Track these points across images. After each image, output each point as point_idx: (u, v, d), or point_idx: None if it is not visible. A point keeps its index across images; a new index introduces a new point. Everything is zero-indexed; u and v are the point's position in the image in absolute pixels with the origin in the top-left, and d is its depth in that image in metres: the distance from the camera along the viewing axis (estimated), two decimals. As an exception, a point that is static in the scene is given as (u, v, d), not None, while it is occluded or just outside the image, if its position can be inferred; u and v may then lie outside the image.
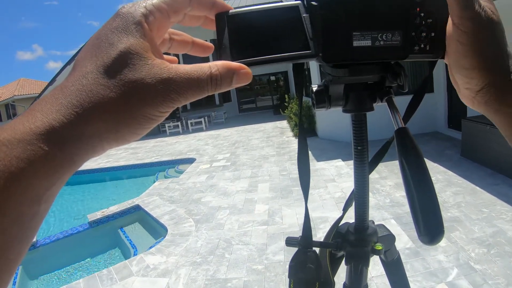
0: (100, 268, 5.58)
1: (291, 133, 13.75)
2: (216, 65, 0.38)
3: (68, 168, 0.31)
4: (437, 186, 5.96)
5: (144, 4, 0.37)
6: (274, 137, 13.70)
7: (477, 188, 5.58)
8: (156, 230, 6.50)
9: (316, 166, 8.50)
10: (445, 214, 4.86)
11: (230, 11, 0.46)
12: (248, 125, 18.75)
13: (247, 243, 4.98)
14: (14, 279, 5.38)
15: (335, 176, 7.46)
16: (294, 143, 11.63)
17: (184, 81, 0.35)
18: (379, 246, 0.78)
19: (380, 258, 0.89)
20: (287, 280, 0.78)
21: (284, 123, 17.08)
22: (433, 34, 0.49)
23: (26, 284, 5.56)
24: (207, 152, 12.68)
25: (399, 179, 6.50)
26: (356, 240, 0.81)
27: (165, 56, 0.46)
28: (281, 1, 0.49)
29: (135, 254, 5.46)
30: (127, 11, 0.36)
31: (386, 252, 0.88)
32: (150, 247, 5.33)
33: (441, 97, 9.78)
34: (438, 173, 6.66)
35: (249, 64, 0.43)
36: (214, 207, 6.71)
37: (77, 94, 0.32)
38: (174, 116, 23.74)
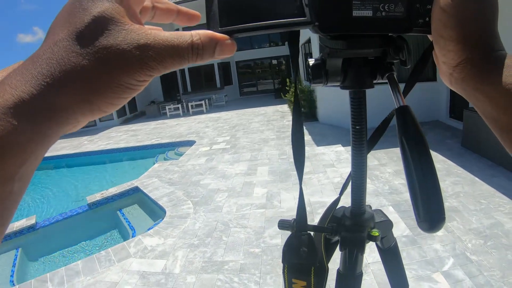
0: (99, 249, 5.61)
1: (291, 117, 13.71)
2: (198, 34, 0.36)
3: (41, 143, 0.29)
4: (436, 175, 5.95)
5: None
6: (275, 121, 13.69)
7: (477, 179, 5.57)
8: (155, 212, 6.53)
9: (315, 151, 8.50)
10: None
11: None
12: (248, 109, 18.73)
13: (245, 226, 5.00)
14: (13, 261, 5.43)
15: (334, 161, 7.45)
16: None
17: (163, 48, 0.33)
18: (375, 232, 0.77)
19: (376, 244, 0.87)
20: (282, 264, 0.76)
21: (285, 107, 17.04)
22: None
23: (25, 266, 5.60)
24: (207, 134, 12.68)
25: (399, 167, 6.50)
26: (352, 225, 0.79)
27: (147, 26, 0.44)
28: None
29: (133, 236, 5.49)
30: None
31: (383, 239, 0.86)
32: (149, 229, 5.36)
33: (443, 86, 9.72)
34: (437, 162, 6.64)
35: (239, 31, 0.41)
36: (212, 190, 6.72)
37: (47, 63, 0.29)
38: (174, 98, 23.71)
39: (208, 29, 0.40)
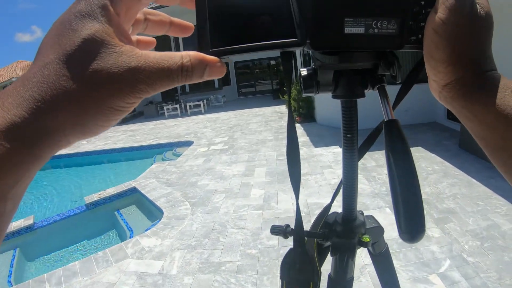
0: (96, 250, 5.60)
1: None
2: (188, 56, 0.36)
3: (32, 164, 0.30)
4: (433, 177, 5.99)
5: None
6: (273, 122, 13.68)
7: (474, 180, 5.58)
8: (152, 212, 6.52)
9: (313, 152, 8.50)
10: (440, 205, 4.87)
11: None
12: (246, 109, 18.72)
13: (242, 227, 5.00)
14: (11, 261, 5.42)
15: (332, 163, 7.46)
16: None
17: (153, 70, 0.33)
18: (366, 238, 0.77)
19: (368, 250, 0.88)
20: (280, 281, 0.76)
21: (283, 108, 17.04)
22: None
23: (23, 266, 5.58)
24: (205, 135, 12.67)
25: (396, 169, 6.49)
26: (343, 231, 0.79)
27: (141, 37, 0.43)
28: None
29: (131, 237, 5.49)
30: None
31: (374, 245, 0.87)
32: (146, 230, 5.35)
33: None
34: (435, 163, 6.65)
35: (230, 53, 0.42)
36: (210, 191, 6.72)
37: (38, 87, 0.30)
38: (173, 98, 23.68)
39: (199, 49, 0.41)
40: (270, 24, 0.43)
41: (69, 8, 0.33)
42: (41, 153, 0.30)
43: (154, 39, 0.47)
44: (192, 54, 0.37)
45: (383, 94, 0.56)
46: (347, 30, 0.46)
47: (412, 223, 0.45)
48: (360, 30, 0.46)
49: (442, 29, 0.42)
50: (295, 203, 5.60)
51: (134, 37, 0.44)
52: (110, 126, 0.34)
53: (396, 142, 0.47)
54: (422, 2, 0.45)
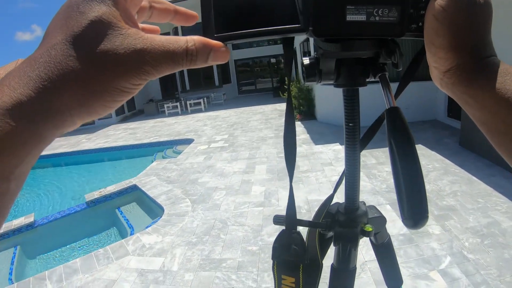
0: (97, 247, 5.61)
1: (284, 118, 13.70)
2: (193, 40, 0.36)
3: (37, 144, 0.30)
4: (434, 174, 5.99)
5: None
6: (273, 119, 13.68)
7: (474, 178, 5.58)
8: (153, 210, 6.53)
9: (313, 149, 8.51)
10: (441, 203, 4.88)
11: None
12: (247, 107, 18.72)
13: (243, 224, 5.01)
14: (12, 259, 5.43)
15: (332, 160, 7.46)
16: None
17: (159, 53, 0.33)
18: (369, 228, 0.78)
19: (370, 240, 0.88)
20: (271, 261, 0.77)
21: (283, 106, 16.98)
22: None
23: (24, 264, 5.59)
24: (205, 133, 12.67)
25: (397, 166, 6.50)
26: (346, 220, 0.79)
27: (145, 25, 0.44)
28: None
29: (131, 234, 5.49)
30: None
31: (376, 235, 0.87)
32: (147, 227, 5.36)
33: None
34: (435, 161, 6.65)
35: (234, 38, 0.42)
36: (211, 188, 6.72)
37: (45, 66, 0.30)
38: (173, 96, 23.68)
39: (204, 35, 0.41)
40: (274, 11, 0.43)
41: None
42: (47, 133, 0.31)
43: (158, 28, 0.47)
44: (197, 38, 0.37)
45: (385, 83, 0.56)
46: (349, 17, 0.46)
47: (415, 210, 0.46)
48: (362, 17, 0.46)
49: (442, 16, 0.42)
50: (296, 200, 5.64)
51: (139, 25, 0.44)
52: (116, 107, 0.35)
53: (398, 129, 0.48)
54: None
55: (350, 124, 0.69)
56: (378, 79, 0.59)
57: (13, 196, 0.30)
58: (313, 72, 0.61)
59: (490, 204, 4.66)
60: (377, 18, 0.46)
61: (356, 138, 0.70)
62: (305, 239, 0.79)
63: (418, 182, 0.46)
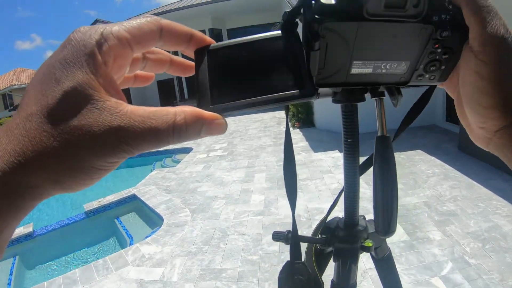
0: (96, 258, 5.59)
1: (289, 123, 13.75)
2: (183, 112, 0.33)
3: (15, 216, 0.29)
4: (433, 179, 5.99)
5: (101, 30, 0.32)
6: (272, 127, 13.67)
7: (474, 182, 5.58)
8: (152, 219, 6.51)
9: (313, 157, 8.50)
10: (441, 208, 4.87)
11: (212, 45, 0.40)
12: (245, 115, 18.71)
13: (243, 233, 4.98)
14: (10, 269, 5.40)
15: (331, 167, 7.45)
16: (291, 133, 11.64)
17: (138, 131, 0.30)
18: (369, 243, 0.76)
19: (371, 255, 0.87)
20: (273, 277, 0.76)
21: (282, 114, 17.00)
22: (443, 68, 0.45)
23: (22, 274, 5.56)
24: (204, 141, 12.65)
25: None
26: (345, 236, 0.79)
27: (139, 73, 0.42)
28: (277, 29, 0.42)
29: (131, 244, 5.47)
30: (80, 38, 0.31)
31: (377, 249, 0.86)
32: (146, 237, 5.35)
33: (440, 90, 9.68)
34: (435, 166, 6.66)
35: (233, 109, 0.38)
36: (210, 197, 6.70)
37: (20, 140, 0.29)
38: (172, 105, 23.70)
39: (198, 105, 0.38)
40: (277, 76, 0.39)
41: (56, 52, 0.32)
42: (24, 205, 0.29)
43: (152, 74, 0.45)
44: (188, 110, 0.34)
45: (380, 107, 0.57)
46: (354, 70, 0.44)
47: (386, 226, 0.59)
48: (368, 70, 0.44)
49: (487, 71, 0.38)
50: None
51: (138, 72, 0.43)
52: (93, 183, 0.33)
53: (385, 158, 0.53)
54: (439, 50, 0.43)
55: (349, 140, 0.68)
56: (375, 101, 0.58)
57: None
58: None
59: (491, 208, 4.66)
60: (383, 70, 0.45)
61: (356, 154, 0.70)
62: (303, 256, 0.78)
63: (392, 205, 0.57)
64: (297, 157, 8.55)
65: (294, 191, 0.64)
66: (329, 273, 0.85)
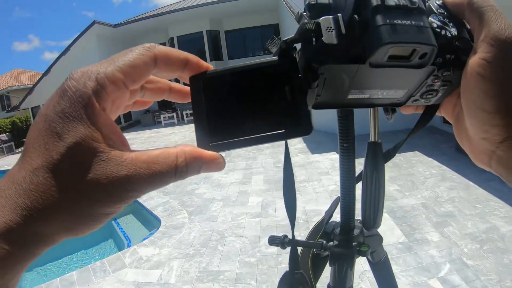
0: (94, 260, 5.58)
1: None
2: (184, 154, 0.34)
3: (29, 260, 0.30)
4: (431, 181, 6.00)
5: (95, 76, 0.32)
6: (270, 129, 13.65)
7: (471, 183, 5.59)
8: (150, 221, 6.50)
9: (310, 158, 8.50)
10: (439, 209, 4.88)
11: (208, 71, 0.40)
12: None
13: (240, 235, 4.98)
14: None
15: (329, 169, 7.45)
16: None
17: (144, 177, 0.32)
18: (365, 248, 0.77)
19: (367, 258, 0.87)
20: (280, 273, 0.77)
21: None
22: (439, 95, 0.44)
23: (20, 277, 5.53)
24: (202, 143, 12.64)
25: (393, 173, 6.53)
26: (341, 240, 0.79)
27: (137, 99, 0.42)
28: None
29: (128, 246, 5.45)
30: (75, 88, 0.31)
31: (373, 253, 0.86)
32: (144, 239, 5.34)
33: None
34: (432, 167, 6.67)
35: (232, 147, 0.38)
36: (207, 199, 6.71)
37: (29, 195, 0.29)
38: (169, 107, 23.70)
39: (197, 143, 0.38)
40: (273, 110, 0.39)
41: (52, 103, 0.31)
42: (37, 251, 0.31)
43: (151, 101, 0.45)
44: (188, 151, 0.35)
45: (374, 115, 0.57)
46: (351, 96, 0.44)
47: (373, 221, 0.68)
48: (365, 96, 0.44)
49: (490, 71, 0.36)
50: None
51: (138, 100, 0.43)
52: (99, 227, 0.34)
53: (374, 161, 0.57)
54: (438, 83, 0.42)
55: (345, 145, 0.68)
56: (369, 109, 0.58)
57: None
58: None
59: (488, 209, 4.67)
60: (380, 96, 0.44)
61: (351, 159, 0.70)
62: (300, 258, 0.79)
63: (379, 204, 0.64)
64: (295, 159, 8.56)
65: (293, 210, 0.67)
66: (326, 276, 0.85)
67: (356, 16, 0.36)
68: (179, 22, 23.41)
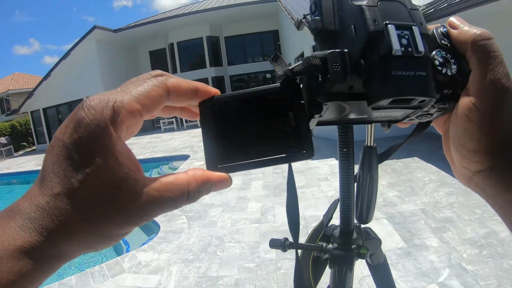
0: (92, 264, 5.56)
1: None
2: (195, 179, 0.37)
3: (49, 274, 0.32)
4: (430, 187, 6.00)
5: (111, 104, 0.33)
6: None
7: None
8: (149, 227, 6.47)
9: (309, 164, 8.50)
10: (438, 215, 4.87)
11: (216, 96, 0.41)
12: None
13: (239, 241, 4.98)
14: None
15: (328, 175, 7.46)
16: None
17: (158, 204, 0.34)
18: (364, 250, 0.77)
19: (366, 261, 0.88)
20: (279, 278, 0.78)
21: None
22: (434, 116, 0.46)
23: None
24: (201, 148, 12.58)
25: (392, 179, 6.53)
26: (341, 243, 0.79)
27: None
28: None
29: (127, 251, 5.44)
30: (92, 117, 0.31)
31: (372, 256, 0.87)
32: (143, 244, 5.33)
33: (436, 97, 9.77)
34: (431, 173, 6.67)
35: (240, 169, 0.40)
36: (207, 204, 6.70)
37: (53, 219, 0.31)
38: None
39: (207, 164, 0.41)
40: (277, 134, 0.41)
41: (70, 129, 0.32)
42: (58, 265, 0.33)
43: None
44: (199, 176, 0.37)
45: (370, 125, 0.58)
46: (351, 116, 0.46)
47: (366, 216, 0.77)
48: (363, 116, 0.46)
49: (477, 118, 0.39)
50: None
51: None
52: (115, 244, 0.36)
53: (372, 165, 0.62)
54: (434, 109, 0.43)
55: (344, 149, 0.69)
56: None
57: None
58: None
59: (487, 214, 4.66)
60: (379, 117, 0.47)
61: (350, 163, 0.71)
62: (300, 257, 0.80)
63: (371, 201, 0.72)
64: (294, 165, 8.51)
65: (296, 226, 0.71)
66: (325, 280, 0.85)
67: (362, 61, 0.37)
68: (179, 27, 23.49)
